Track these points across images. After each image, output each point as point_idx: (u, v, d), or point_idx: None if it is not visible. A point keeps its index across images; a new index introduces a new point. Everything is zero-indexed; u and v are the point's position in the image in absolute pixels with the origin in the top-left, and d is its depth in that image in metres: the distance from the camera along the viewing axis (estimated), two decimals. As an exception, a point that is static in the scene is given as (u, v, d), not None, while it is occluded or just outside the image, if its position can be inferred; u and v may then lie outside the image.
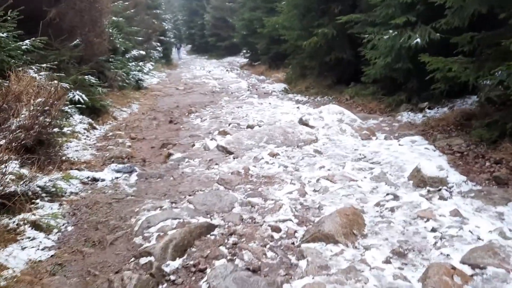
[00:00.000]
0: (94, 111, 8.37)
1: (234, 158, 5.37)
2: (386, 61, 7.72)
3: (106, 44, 11.82)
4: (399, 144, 5.55)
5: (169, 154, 5.93)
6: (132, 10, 18.72)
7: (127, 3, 18.47)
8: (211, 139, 6.55)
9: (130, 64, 14.20)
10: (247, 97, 11.44)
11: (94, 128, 7.84)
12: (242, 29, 23.83)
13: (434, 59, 6.03)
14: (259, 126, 7.21)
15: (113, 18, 17.19)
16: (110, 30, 12.74)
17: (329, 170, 4.71)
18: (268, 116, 8.20)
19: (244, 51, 28.76)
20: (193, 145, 6.48)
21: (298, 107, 8.68)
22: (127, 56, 14.10)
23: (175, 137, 7.42)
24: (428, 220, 3.26)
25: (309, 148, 5.66)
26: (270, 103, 9.97)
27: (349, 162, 4.97)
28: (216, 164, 5.20)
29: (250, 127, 7.24)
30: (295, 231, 3.36)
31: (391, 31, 7.56)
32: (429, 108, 7.44)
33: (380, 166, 4.81)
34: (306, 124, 6.50)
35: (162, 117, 9.39)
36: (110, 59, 12.72)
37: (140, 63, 18.08)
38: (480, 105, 6.49)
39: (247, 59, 26.57)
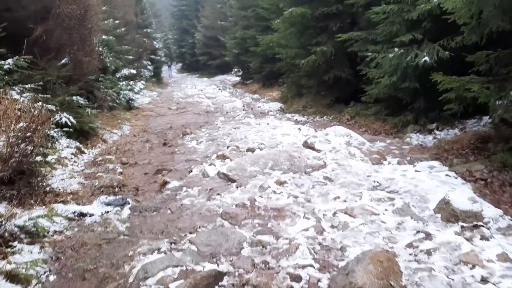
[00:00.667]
0: (83, 134, 7.86)
1: (237, 187, 4.88)
2: (392, 80, 7.36)
3: (96, 63, 11.38)
4: (416, 170, 5.11)
5: (165, 182, 5.42)
6: (122, 29, 18.36)
7: (117, 21, 18.12)
8: (210, 164, 6.06)
9: (121, 83, 13.75)
10: (243, 117, 11.01)
11: (83, 152, 7.31)
12: (234, 47, 23.60)
13: (448, 79, 5.67)
14: (261, 149, 6.76)
15: (104, 36, 16.84)
16: (100, 49, 12.32)
17: (345, 201, 4.25)
18: (268, 138, 7.75)
19: (236, 69, 28.53)
20: (191, 171, 5.98)
21: (299, 128, 8.25)
22: (117, 75, 13.65)
23: (170, 161, 6.93)
24: (474, 266, 2.80)
25: (318, 174, 5.20)
26: (268, 124, 9.54)
27: (365, 191, 4.51)
28: (218, 194, 4.70)
29: (251, 150, 6.78)
30: (319, 280, 2.87)
31: (396, 49, 7.22)
32: (438, 130, 7.07)
33: (400, 196, 4.36)
34: (312, 148, 6.06)
35: (155, 139, 8.90)
36: (100, 79, 12.27)
37: (131, 82, 17.67)
38: (494, 126, 6.12)
39: (239, 78, 26.29)
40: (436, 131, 7.01)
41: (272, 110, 12.57)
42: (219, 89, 22.21)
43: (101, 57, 12.40)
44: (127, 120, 10.94)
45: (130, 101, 13.08)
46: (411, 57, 6.93)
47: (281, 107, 13.14)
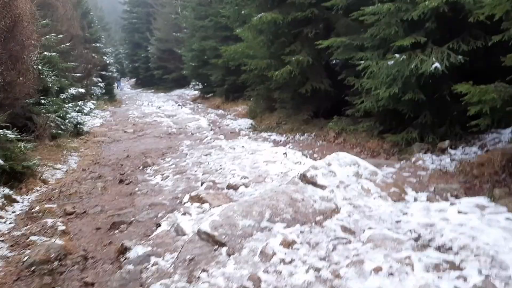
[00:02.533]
0: (15, 176, 6.19)
1: (229, 255, 3.47)
2: (393, 91, 6.23)
3: (32, 84, 9.65)
4: (459, 211, 3.92)
5: (124, 249, 3.93)
6: (67, 44, 16.46)
7: (61, 36, 16.24)
8: (184, 214, 4.63)
9: (67, 105, 11.96)
10: (213, 139, 9.59)
11: (14, 201, 5.66)
12: (192, 60, 22.18)
13: (478, 89, 4.56)
14: (246, 186, 5.39)
15: (45, 53, 14.97)
16: (40, 67, 10.55)
17: (391, 274, 2.96)
18: (249, 167, 6.40)
19: (194, 83, 27.09)
20: (158, 225, 4.51)
21: (284, 153, 6.95)
22: (62, 96, 11.86)
23: (130, 207, 5.42)
24: None
25: (333, 224, 3.90)
26: (243, 147, 8.19)
27: (410, 251, 3.25)
28: (203, 270, 3.27)
29: (233, 187, 5.40)
30: None
31: (397, 55, 6.10)
32: (452, 148, 5.98)
33: (459, 256, 3.12)
34: (314, 183, 4.76)
35: (110, 173, 7.32)
36: (42, 101, 10.51)
37: (80, 103, 15.81)
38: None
39: (198, 92, 24.85)
40: (450, 150, 5.92)
41: (243, 128, 11.24)
42: (179, 105, 20.66)
43: (42, 76, 10.65)
44: (74, 150, 9.23)
45: (78, 126, 11.33)
46: (415, 64, 5.83)
47: (252, 124, 11.84)
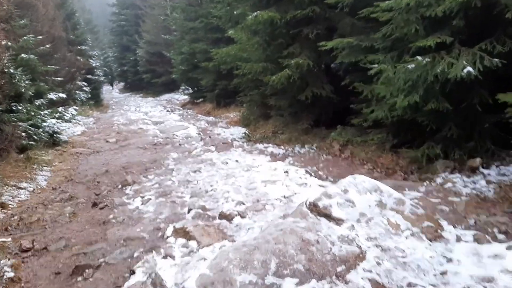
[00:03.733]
0: (-36, 201, 5.18)
1: (224, 331, 2.53)
2: (413, 100, 5.33)
3: (4, 88, 8.67)
4: (524, 260, 3.02)
5: (83, 314, 2.96)
6: (47, 46, 15.39)
7: (40, 37, 15.17)
8: (165, 257, 3.67)
9: (43, 112, 10.90)
10: (203, 151, 8.62)
11: (-42, 234, 4.64)
12: (181, 63, 21.17)
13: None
14: (242, 216, 4.43)
15: (22, 55, 13.91)
16: (12, 71, 9.51)
17: None
18: (245, 189, 5.46)
19: (184, 87, 26.13)
20: (132, 271, 3.54)
21: (286, 172, 6.00)
22: (37, 103, 10.81)
23: (101, 241, 4.43)
24: None
25: (359, 278, 2.97)
26: (237, 161, 7.24)
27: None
28: None
29: (227, 218, 4.44)
30: None
31: (419, 57, 5.20)
32: (484, 167, 5.10)
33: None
34: (328, 216, 3.83)
35: (83, 193, 6.32)
36: (13, 108, 9.47)
37: (60, 109, 14.76)
38: None
39: (188, 97, 23.85)
40: (482, 170, 5.03)
41: (235, 138, 10.28)
42: (167, 111, 19.66)
43: (13, 81, 9.61)
44: (47, 164, 8.20)
45: (55, 135, 10.27)
46: (442, 67, 4.93)
47: (245, 133, 10.88)
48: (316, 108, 9.30)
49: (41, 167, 7.82)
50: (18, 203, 5.91)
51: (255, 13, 8.49)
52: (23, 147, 8.50)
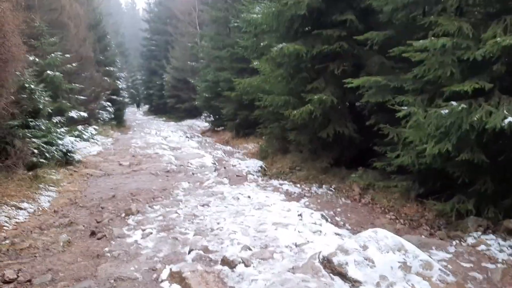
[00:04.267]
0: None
1: None
2: (444, 148, 4.86)
3: (21, 104, 8.60)
4: None
5: None
6: (74, 64, 15.57)
7: (68, 55, 15.39)
8: (154, 307, 3.24)
9: (60, 130, 10.78)
10: (215, 182, 8.24)
11: None
12: (205, 91, 21.15)
13: None
14: (247, 265, 3.97)
15: (48, 72, 14.08)
16: (32, 86, 9.48)
17: None
18: (254, 230, 5.01)
19: (206, 114, 26.14)
20: (115, 321, 3.12)
21: (300, 215, 5.53)
22: (54, 120, 10.70)
23: (90, 278, 4.04)
24: None
25: None
26: (249, 197, 6.81)
27: None
28: None
29: (229, 264, 3.99)
30: None
31: (454, 103, 4.77)
32: (523, 229, 4.54)
33: None
34: (343, 275, 3.35)
35: (84, 219, 5.98)
36: (30, 123, 9.39)
37: (80, 127, 14.77)
38: None
39: (209, 124, 23.76)
40: (521, 233, 4.48)
41: (251, 171, 9.87)
42: (186, 136, 19.48)
43: (33, 96, 9.56)
44: (54, 184, 7.94)
45: (68, 154, 10.08)
46: (479, 115, 4.48)
47: (262, 167, 10.48)
48: (337, 146, 8.87)
49: (47, 186, 7.57)
50: (14, 225, 5.60)
51: (280, 45, 8.25)
52: (33, 165, 8.29)
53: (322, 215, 5.69)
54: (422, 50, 5.52)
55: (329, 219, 5.70)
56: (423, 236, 5.01)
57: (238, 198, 6.69)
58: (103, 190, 7.88)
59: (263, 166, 10.61)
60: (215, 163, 10.91)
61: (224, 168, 10.25)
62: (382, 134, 7.60)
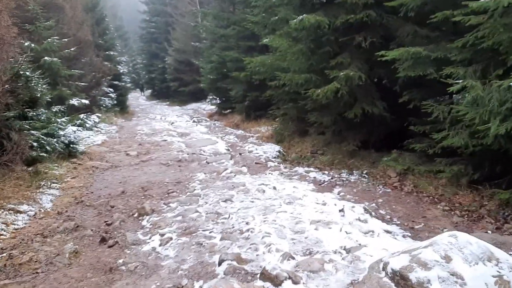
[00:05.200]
0: None
1: None
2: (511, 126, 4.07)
3: (12, 93, 7.82)
4: None
5: None
6: (72, 49, 14.69)
7: (65, 40, 14.50)
8: None
9: (60, 120, 10.02)
10: (234, 172, 7.48)
11: None
12: (210, 72, 20.22)
13: None
14: (294, 282, 3.23)
15: (45, 58, 13.24)
16: (28, 73, 8.67)
17: None
18: (290, 231, 4.29)
19: (211, 97, 25.31)
20: None
21: (342, 210, 4.77)
22: (54, 109, 9.90)
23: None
24: None
25: None
26: (275, 188, 6.07)
27: None
28: None
29: (272, 280, 3.26)
30: None
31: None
32: None
33: None
34: (426, 298, 2.62)
35: (91, 222, 5.27)
36: (27, 114, 8.62)
37: (82, 116, 14.00)
38: None
39: (215, 107, 22.92)
40: None
41: (269, 157, 9.12)
42: (194, 121, 18.66)
43: (29, 84, 8.77)
44: (57, 180, 7.22)
45: (71, 145, 9.33)
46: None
47: (280, 152, 9.73)
48: (364, 127, 8.07)
49: (49, 183, 6.84)
50: (13, 232, 4.88)
51: (300, 17, 7.36)
52: (33, 159, 7.56)
53: (365, 209, 4.94)
54: (480, 12, 4.68)
55: (373, 213, 4.95)
56: (489, 232, 4.26)
57: (264, 191, 5.94)
58: (111, 185, 7.16)
59: (281, 151, 9.84)
60: (229, 150, 10.15)
61: (240, 154, 9.49)
62: (417, 111, 6.84)
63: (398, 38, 7.28)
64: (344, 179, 6.82)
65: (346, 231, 4.09)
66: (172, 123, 17.60)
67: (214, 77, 19.84)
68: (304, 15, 7.31)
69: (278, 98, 12.06)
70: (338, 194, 5.87)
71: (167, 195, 6.29)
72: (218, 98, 22.35)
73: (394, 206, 5.25)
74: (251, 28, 12.29)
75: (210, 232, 4.54)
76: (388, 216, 4.94)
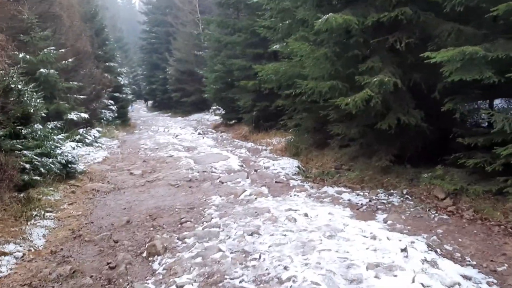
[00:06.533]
0: None
1: None
2: None
3: (2, 110, 6.99)
4: None
5: None
6: (70, 60, 13.85)
7: (63, 50, 13.67)
8: None
9: (57, 136, 9.12)
10: (253, 194, 6.56)
11: None
12: (214, 82, 19.38)
13: None
14: None
15: (41, 70, 12.41)
16: (20, 87, 7.80)
17: None
18: (344, 280, 3.38)
19: (215, 107, 24.49)
20: None
21: (404, 250, 3.83)
22: (50, 125, 8.99)
23: None
24: None
25: None
26: (307, 215, 5.14)
27: None
28: None
29: None
30: None
31: None
32: None
33: None
34: None
35: (91, 267, 4.33)
36: (20, 132, 7.75)
37: (81, 131, 13.12)
38: None
39: (220, 117, 22.06)
40: None
41: (289, 173, 8.21)
42: (199, 133, 17.77)
43: (22, 99, 7.90)
44: (52, 208, 6.31)
45: (69, 165, 8.42)
46: None
47: (299, 168, 8.80)
48: (398, 139, 7.15)
49: (43, 213, 5.92)
50: (-6, 283, 3.95)
51: (325, 16, 6.48)
52: (25, 184, 6.67)
53: (428, 245, 4.01)
54: None
55: (438, 250, 4.02)
56: None
57: (295, 219, 5.00)
58: (114, 212, 6.24)
59: (300, 166, 8.92)
60: (243, 166, 9.23)
61: (256, 171, 8.57)
62: (461, 121, 5.99)
63: (437, 38, 6.40)
64: (385, 201, 5.89)
65: (422, 284, 3.15)
66: (177, 135, 16.70)
67: (219, 87, 19.02)
68: (330, 14, 6.43)
69: (291, 107, 11.20)
70: (385, 222, 4.94)
71: (180, 225, 5.36)
72: (222, 109, 21.52)
73: (460, 240, 4.31)
74: (262, 33, 11.43)
75: (240, 281, 3.61)
76: (458, 254, 4.00)
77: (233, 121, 19.88)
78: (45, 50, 12.61)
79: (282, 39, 10.62)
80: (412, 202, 5.68)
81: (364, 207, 5.68)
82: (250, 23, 14.50)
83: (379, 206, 5.68)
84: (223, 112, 21.29)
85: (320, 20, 6.49)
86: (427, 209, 5.32)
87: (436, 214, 5.11)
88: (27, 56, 12.06)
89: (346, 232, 4.46)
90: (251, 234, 4.63)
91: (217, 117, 23.11)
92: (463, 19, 6.16)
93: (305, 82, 7.70)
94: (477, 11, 5.93)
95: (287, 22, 9.73)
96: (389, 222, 4.94)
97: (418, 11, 6.50)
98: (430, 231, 4.57)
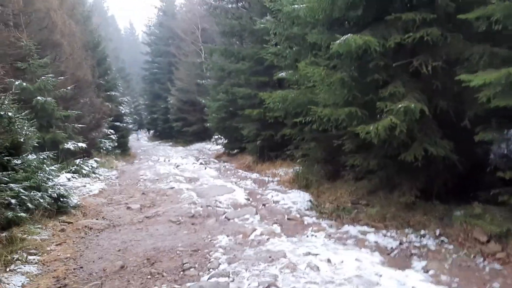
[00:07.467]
0: None
1: None
2: None
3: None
4: None
5: None
6: (69, 88, 13.35)
7: (62, 78, 13.20)
8: None
9: (49, 168, 8.44)
10: (264, 234, 5.81)
11: None
12: (217, 111, 18.92)
13: None
14: None
15: (38, 97, 11.89)
16: (10, 114, 7.22)
17: None
18: None
19: (217, 137, 23.99)
20: None
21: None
22: (41, 156, 8.32)
23: None
24: None
25: None
26: (330, 261, 4.41)
27: None
28: None
29: None
30: None
31: None
32: None
33: None
34: None
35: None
36: (7, 164, 7.11)
37: (78, 161, 12.47)
38: None
39: (222, 147, 21.50)
40: None
41: (301, 209, 7.50)
42: (201, 163, 17.11)
43: (12, 127, 7.31)
44: (37, 248, 5.57)
45: (60, 199, 7.71)
46: None
47: (311, 202, 8.08)
48: (424, 172, 6.47)
49: (25, 256, 5.18)
50: None
51: (344, 37, 5.94)
52: (8, 222, 5.94)
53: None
54: None
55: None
56: None
57: (317, 267, 4.26)
58: (107, 255, 5.49)
59: (312, 201, 8.20)
60: (249, 199, 8.51)
61: (264, 206, 7.86)
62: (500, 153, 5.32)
63: (466, 62, 5.83)
64: (417, 244, 5.15)
65: None
66: (178, 166, 16.02)
67: (222, 116, 18.54)
68: (349, 34, 5.89)
69: (298, 137, 10.61)
70: (426, 272, 4.21)
71: (182, 272, 4.62)
72: (224, 138, 21.01)
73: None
74: (269, 60, 10.96)
75: None
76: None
77: (236, 151, 19.30)
78: (43, 77, 12.13)
79: (290, 66, 10.13)
80: (451, 247, 4.94)
81: (396, 252, 4.95)
82: (254, 51, 14.14)
83: (413, 251, 4.95)
84: (226, 141, 20.76)
85: (338, 41, 5.94)
86: (472, 256, 4.58)
87: (485, 263, 4.38)
88: (24, 84, 11.59)
89: (382, 285, 3.72)
90: (268, 287, 3.89)
91: (219, 147, 22.54)
92: (493, 40, 5.64)
93: (319, 109, 7.07)
94: (504, 31, 5.40)
95: (294, 49, 9.25)
96: (430, 272, 4.20)
97: (444, 32, 5.97)
98: (483, 285, 3.84)
